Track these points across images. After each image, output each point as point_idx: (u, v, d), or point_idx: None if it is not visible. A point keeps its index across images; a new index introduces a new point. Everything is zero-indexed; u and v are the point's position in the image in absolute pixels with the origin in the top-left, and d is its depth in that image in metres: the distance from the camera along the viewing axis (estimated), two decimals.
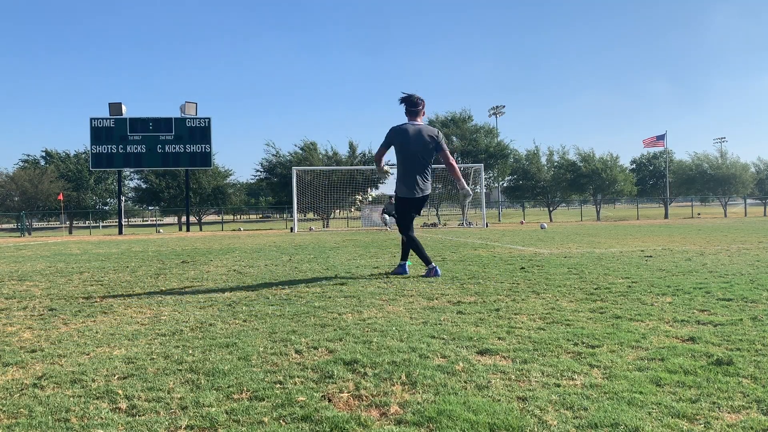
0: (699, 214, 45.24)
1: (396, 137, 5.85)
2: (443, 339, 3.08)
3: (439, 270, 5.91)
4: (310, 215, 46.38)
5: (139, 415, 2.04)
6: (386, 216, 23.01)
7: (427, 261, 5.95)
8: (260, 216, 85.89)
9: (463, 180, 6.03)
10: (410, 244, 6.10)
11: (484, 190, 32.12)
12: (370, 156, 43.19)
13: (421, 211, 6.25)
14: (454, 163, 5.99)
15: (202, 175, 43.73)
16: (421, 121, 5.95)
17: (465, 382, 2.32)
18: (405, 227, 6.20)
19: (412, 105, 5.89)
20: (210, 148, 30.59)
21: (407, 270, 6.15)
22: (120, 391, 2.28)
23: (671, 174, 50.80)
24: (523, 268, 6.67)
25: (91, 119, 29.77)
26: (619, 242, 11.64)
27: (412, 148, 5.82)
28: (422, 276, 5.86)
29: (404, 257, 6.27)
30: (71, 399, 2.22)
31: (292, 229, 26.75)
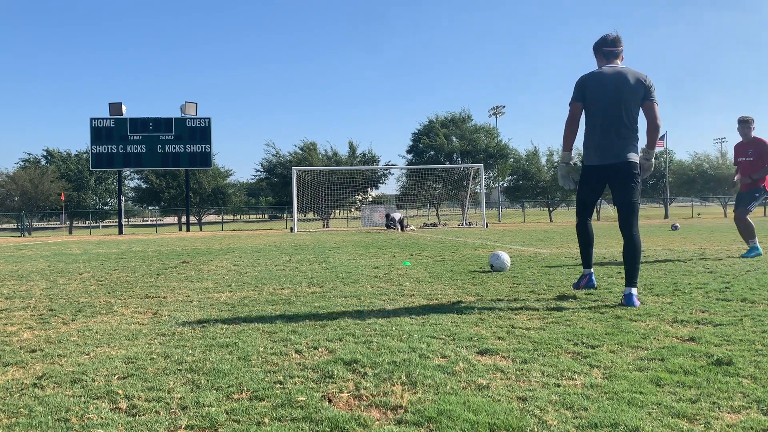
0: (699, 214, 45.22)
1: (587, 85, 4.27)
2: (443, 339, 3.08)
3: (594, 279, 4.65)
4: (311, 215, 46.36)
5: (139, 415, 2.04)
6: (395, 216, 22.92)
7: (585, 264, 4.62)
8: (259, 216, 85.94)
9: (654, 150, 4.31)
10: (578, 235, 4.66)
11: (484, 190, 32.11)
12: (370, 156, 43.15)
13: (632, 196, 4.19)
14: (659, 121, 4.22)
15: (202, 175, 43.73)
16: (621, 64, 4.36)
17: (465, 382, 2.32)
18: (578, 211, 4.62)
19: (607, 44, 4.32)
20: (210, 148, 30.56)
21: (593, 281, 4.64)
22: (120, 391, 2.28)
23: (671, 174, 50.79)
24: (523, 268, 6.67)
25: (91, 119, 29.75)
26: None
27: (610, 95, 4.18)
28: (575, 284, 4.69)
29: (585, 263, 4.64)
30: (71, 399, 2.22)
31: (292, 229, 26.76)
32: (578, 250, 4.79)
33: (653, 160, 4.32)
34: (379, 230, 23.57)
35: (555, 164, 48.55)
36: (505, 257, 6.45)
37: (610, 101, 4.19)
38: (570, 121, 4.37)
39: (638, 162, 4.24)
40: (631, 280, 4.09)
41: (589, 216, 4.58)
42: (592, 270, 4.60)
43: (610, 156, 4.22)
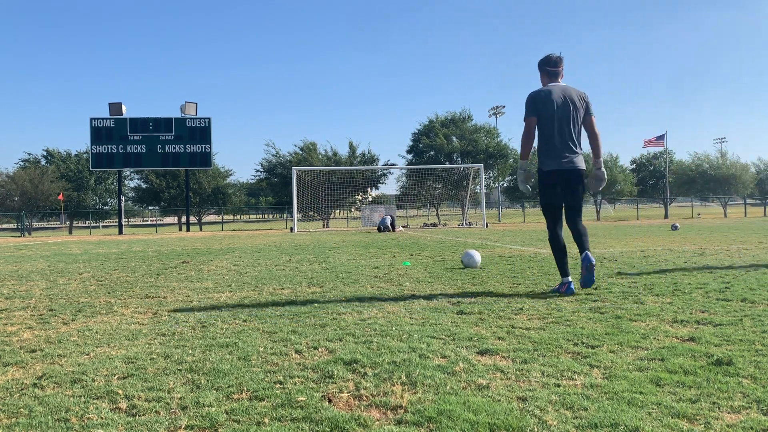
0: (699, 214, 45.21)
1: (539, 101, 4.75)
2: (443, 339, 3.08)
3: (573, 286, 4.63)
4: (311, 215, 46.33)
5: (139, 415, 2.04)
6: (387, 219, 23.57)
7: (563, 272, 4.72)
8: (259, 216, 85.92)
9: (602, 159, 4.94)
10: (552, 246, 4.84)
11: (484, 190, 32.12)
12: (370, 156, 43.13)
13: (584, 200, 4.77)
14: (598, 131, 4.90)
15: (202, 175, 43.72)
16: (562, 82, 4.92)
17: (465, 382, 2.32)
18: (549, 220, 4.89)
19: (551, 64, 4.86)
20: (210, 148, 30.56)
21: (572, 288, 4.61)
22: (120, 391, 2.28)
23: (671, 174, 50.77)
24: (523, 268, 6.67)
25: (91, 119, 29.74)
26: (619, 242, 11.63)
27: (560, 110, 4.72)
28: (554, 289, 4.73)
29: (563, 272, 4.72)
30: (71, 399, 2.22)
31: (292, 229, 26.77)
32: (576, 250, 4.83)
33: (604, 168, 4.96)
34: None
35: None
36: (476, 255, 6.99)
37: (561, 115, 4.76)
38: (527, 135, 4.85)
39: (585, 169, 4.89)
40: (583, 247, 4.68)
41: (559, 225, 4.90)
42: (570, 278, 4.71)
43: (566, 163, 4.77)
